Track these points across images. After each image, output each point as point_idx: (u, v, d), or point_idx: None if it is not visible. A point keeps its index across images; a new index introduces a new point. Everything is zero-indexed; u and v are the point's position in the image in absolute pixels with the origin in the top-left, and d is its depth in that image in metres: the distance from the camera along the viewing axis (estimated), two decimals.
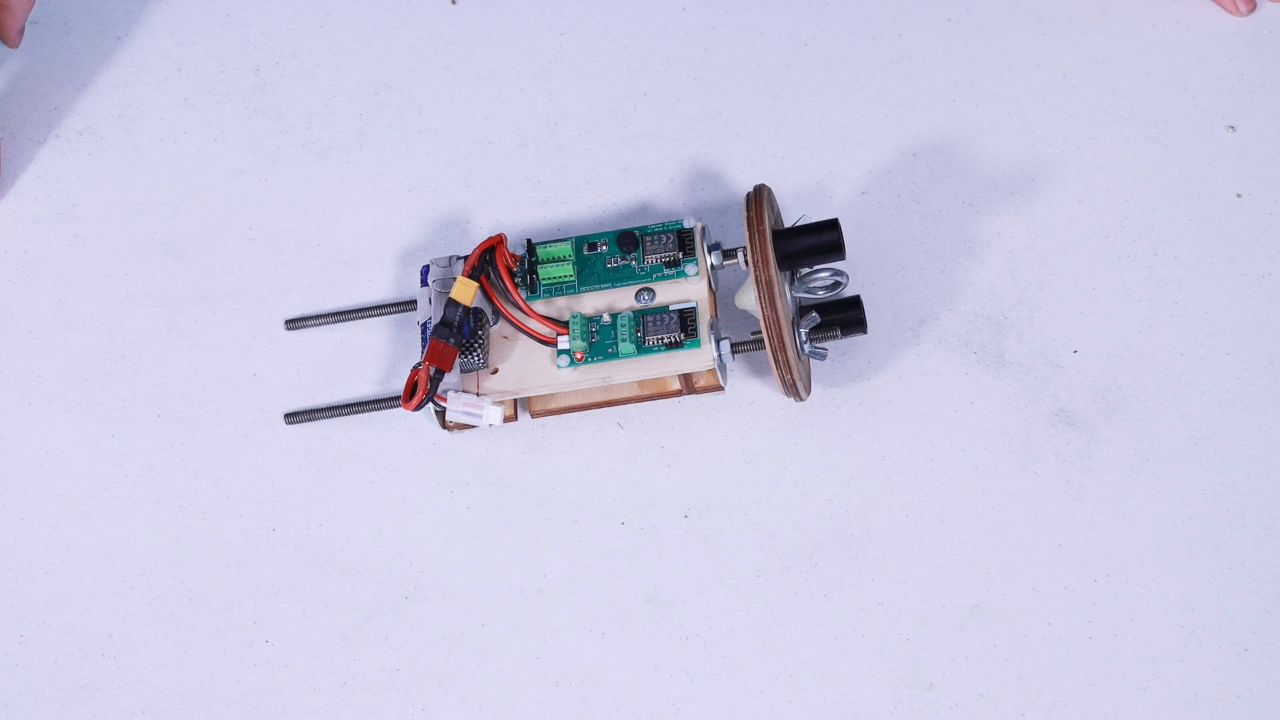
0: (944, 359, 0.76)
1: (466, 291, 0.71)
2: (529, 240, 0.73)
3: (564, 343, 0.71)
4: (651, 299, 0.72)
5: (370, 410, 0.75)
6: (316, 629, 0.73)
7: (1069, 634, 0.72)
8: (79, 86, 0.82)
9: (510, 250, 0.73)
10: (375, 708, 0.72)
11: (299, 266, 0.79)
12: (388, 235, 0.79)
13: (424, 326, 0.73)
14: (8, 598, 0.74)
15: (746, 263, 0.72)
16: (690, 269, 0.72)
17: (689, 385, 0.73)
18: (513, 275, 0.73)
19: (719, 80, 0.81)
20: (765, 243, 0.70)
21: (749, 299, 0.72)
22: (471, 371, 0.72)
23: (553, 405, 0.73)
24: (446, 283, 0.73)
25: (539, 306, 0.73)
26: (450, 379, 0.71)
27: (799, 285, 0.72)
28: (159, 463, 0.76)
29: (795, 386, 0.72)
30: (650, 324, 0.71)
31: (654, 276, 0.73)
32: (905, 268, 0.77)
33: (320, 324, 0.77)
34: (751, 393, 0.76)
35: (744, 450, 0.75)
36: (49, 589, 0.74)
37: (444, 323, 0.70)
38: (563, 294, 0.73)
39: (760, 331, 0.72)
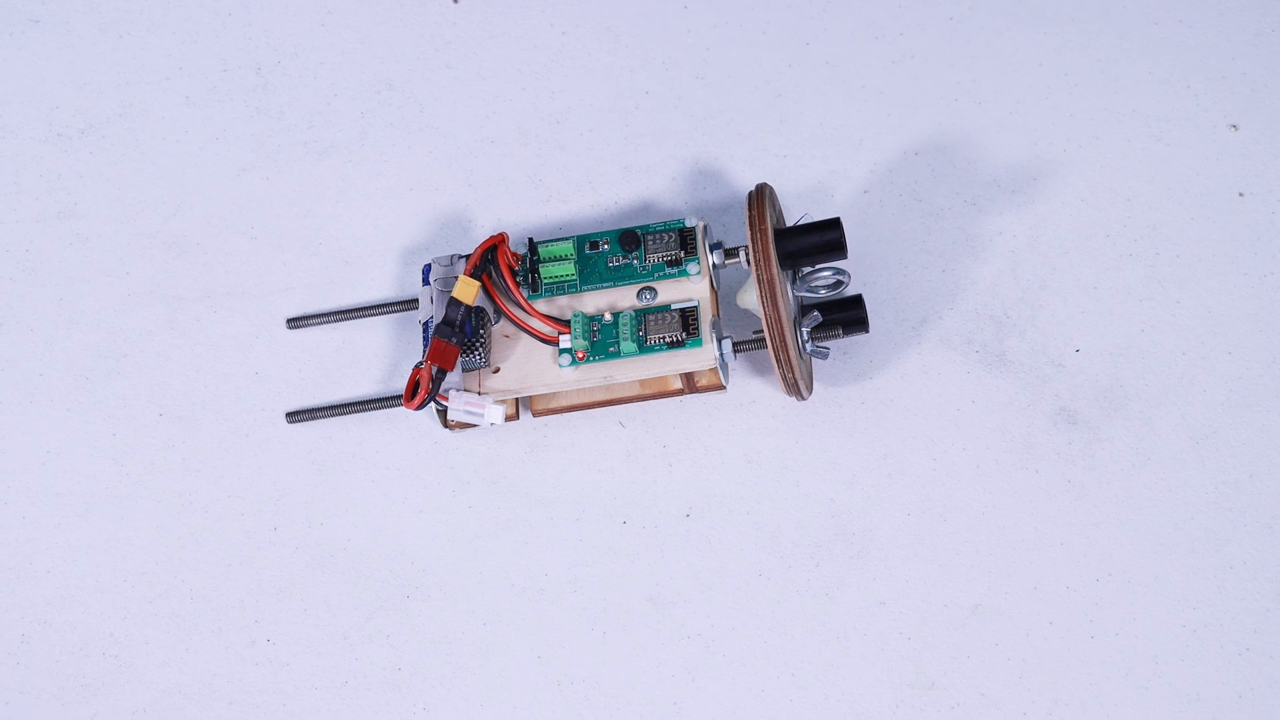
0: (946, 358, 0.76)
1: (468, 290, 0.71)
2: (531, 239, 0.73)
3: (566, 341, 0.71)
4: (653, 298, 0.72)
5: (372, 409, 0.75)
6: (318, 628, 0.73)
7: (1071, 633, 0.72)
8: (80, 85, 0.82)
9: (512, 249, 0.73)
10: (377, 706, 0.72)
11: (301, 265, 0.79)
12: (389, 234, 0.79)
13: (426, 325, 0.73)
14: (10, 596, 0.74)
15: (748, 262, 0.72)
16: (692, 268, 0.72)
17: (691, 384, 0.73)
18: (514, 274, 0.73)
19: (721, 79, 0.81)
20: (767, 241, 0.70)
21: (751, 298, 0.72)
22: (473, 370, 0.72)
23: (554, 404, 0.73)
24: (448, 281, 0.73)
25: (541, 305, 0.73)
26: (452, 378, 0.71)
27: (801, 284, 0.72)
28: (160, 461, 0.76)
29: (797, 385, 0.72)
30: (652, 323, 0.71)
31: (656, 275, 0.73)
32: (907, 266, 0.77)
33: (322, 323, 0.77)
34: (753, 392, 0.76)
35: (746, 449, 0.75)
36: (51, 588, 0.74)
37: (446, 322, 0.70)
38: (564, 293, 0.73)
39: (762, 330, 0.72)
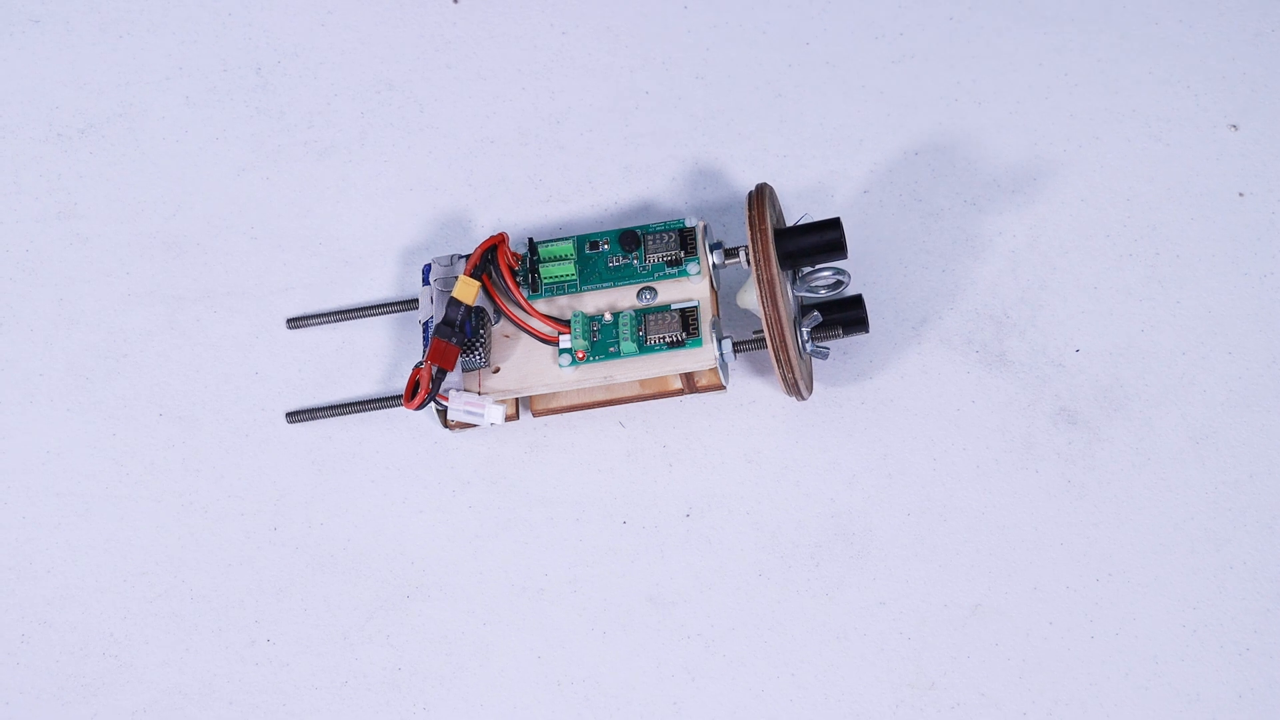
0: (946, 358, 0.76)
1: (469, 290, 0.71)
2: (531, 239, 0.73)
3: (566, 341, 0.71)
4: (653, 298, 0.72)
5: (372, 409, 0.75)
6: (318, 628, 0.73)
7: (1071, 633, 0.72)
8: (81, 85, 0.82)
9: (512, 249, 0.73)
10: (377, 706, 0.72)
11: (301, 265, 0.79)
12: (389, 234, 0.79)
13: (426, 325, 0.73)
14: (10, 596, 0.74)
15: (748, 262, 0.72)
16: (692, 268, 0.72)
17: (691, 384, 0.73)
18: (514, 274, 0.73)
19: (721, 79, 0.81)
20: (767, 241, 0.70)
21: (751, 298, 0.72)
22: (473, 370, 0.72)
23: (554, 404, 0.73)
24: (448, 281, 0.73)
25: (541, 305, 0.73)
26: (452, 378, 0.71)
27: (801, 284, 0.72)
28: (160, 461, 0.76)
29: (797, 385, 0.72)
30: (652, 323, 0.71)
31: (656, 275, 0.73)
32: (907, 266, 0.77)
33: (322, 323, 0.77)
34: (753, 392, 0.76)
35: (746, 449, 0.75)
36: (51, 588, 0.74)
37: (446, 321, 0.70)
38: (564, 293, 0.73)
39: (762, 330, 0.72)
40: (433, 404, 0.71)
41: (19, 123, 0.81)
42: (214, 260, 0.79)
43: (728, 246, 0.74)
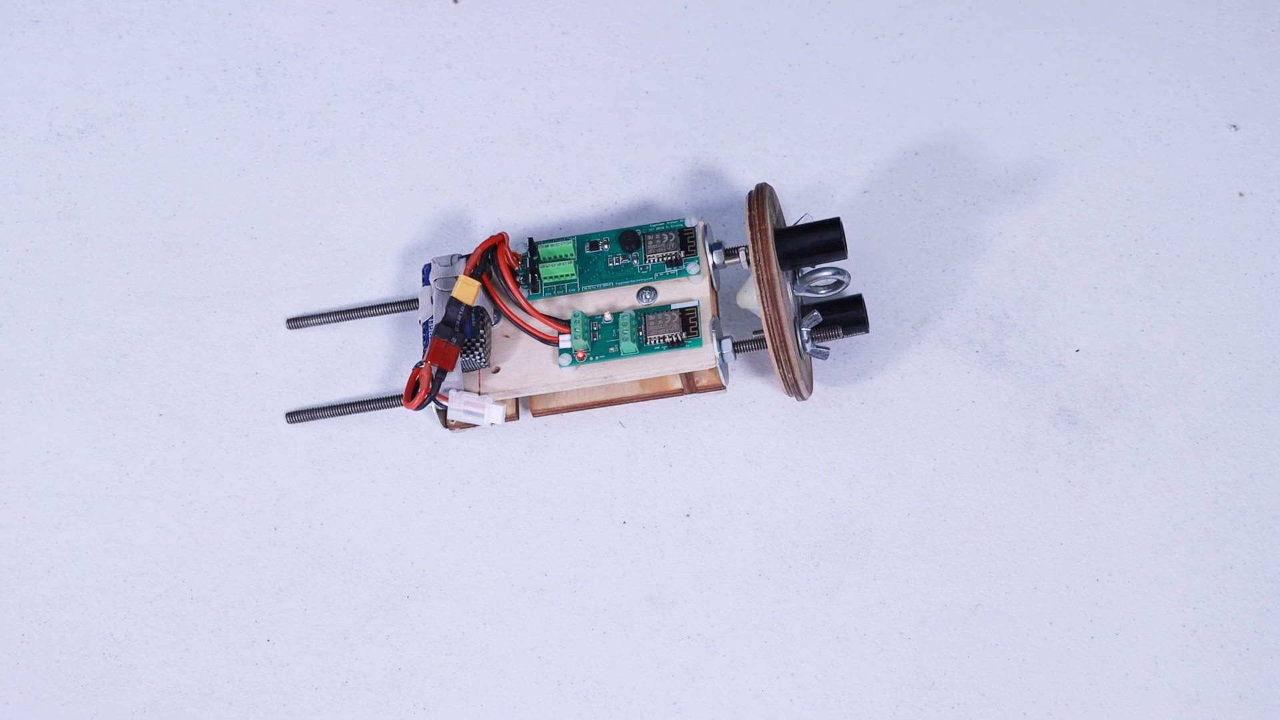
0: (946, 358, 0.76)
1: (469, 290, 0.71)
2: (531, 239, 0.73)
3: (566, 341, 0.71)
4: (653, 298, 0.72)
5: (372, 409, 0.75)
6: (318, 628, 0.73)
7: (1071, 633, 0.72)
8: (81, 85, 0.82)
9: (512, 249, 0.73)
10: (377, 706, 0.72)
11: (300, 265, 0.79)
12: (389, 234, 0.79)
13: (426, 325, 0.73)
14: (10, 596, 0.74)
15: (748, 262, 0.72)
16: (692, 268, 0.72)
17: (691, 384, 0.73)
18: (514, 274, 0.73)
19: (721, 79, 0.81)
20: (767, 241, 0.70)
21: (751, 298, 0.72)
22: (473, 370, 0.72)
23: (554, 404, 0.73)
24: (448, 281, 0.73)
25: (541, 305, 0.73)
26: (452, 378, 0.71)
27: (801, 284, 0.72)
28: (160, 461, 0.76)
29: (797, 385, 0.72)
30: (652, 323, 0.71)
31: (656, 275, 0.73)
32: (907, 266, 0.77)
33: (322, 323, 0.77)
34: (753, 392, 0.76)
35: (746, 449, 0.75)
36: (51, 588, 0.74)
37: (446, 321, 0.70)
38: (564, 293, 0.73)
39: (762, 330, 0.72)
40: (433, 404, 0.71)
41: (19, 123, 0.81)
42: (214, 260, 0.79)
43: (728, 246, 0.74)
